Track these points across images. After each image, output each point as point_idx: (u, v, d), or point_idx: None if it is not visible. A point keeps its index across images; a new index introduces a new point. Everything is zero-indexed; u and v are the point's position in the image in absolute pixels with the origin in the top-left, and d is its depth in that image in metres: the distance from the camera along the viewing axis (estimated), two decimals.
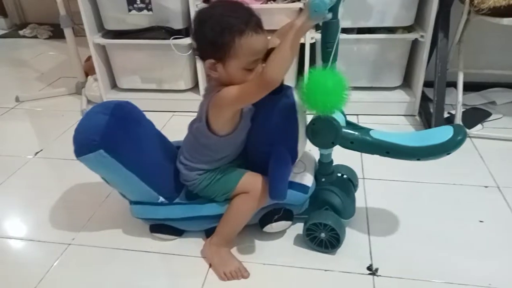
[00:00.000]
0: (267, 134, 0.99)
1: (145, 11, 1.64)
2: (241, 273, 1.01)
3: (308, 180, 1.07)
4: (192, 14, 1.60)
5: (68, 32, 1.88)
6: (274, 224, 1.06)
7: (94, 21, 1.73)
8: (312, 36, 1.60)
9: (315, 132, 0.98)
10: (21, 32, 2.97)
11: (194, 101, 1.78)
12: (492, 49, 1.76)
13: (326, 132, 0.97)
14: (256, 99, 0.89)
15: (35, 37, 2.92)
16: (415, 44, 1.64)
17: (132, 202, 1.09)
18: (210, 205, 1.06)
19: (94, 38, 1.72)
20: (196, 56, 0.94)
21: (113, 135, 0.97)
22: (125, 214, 1.20)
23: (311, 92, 0.91)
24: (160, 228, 1.12)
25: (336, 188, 1.09)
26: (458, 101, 1.52)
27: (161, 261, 1.07)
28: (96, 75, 1.82)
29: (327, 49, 0.92)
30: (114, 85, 1.90)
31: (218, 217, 1.06)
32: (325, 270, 1.02)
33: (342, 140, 0.97)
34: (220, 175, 1.03)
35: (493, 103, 1.73)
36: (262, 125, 0.99)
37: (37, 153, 1.56)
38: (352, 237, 1.10)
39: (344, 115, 1.03)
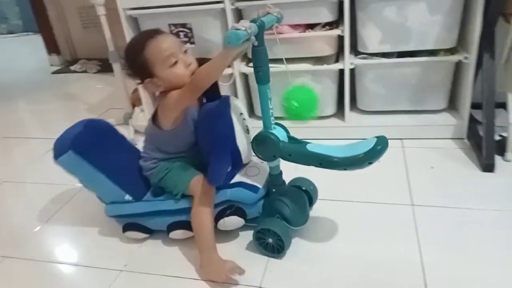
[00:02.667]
0: (207, 134, 1.13)
1: (188, 45, 1.72)
2: (239, 272, 1.07)
3: (259, 182, 1.18)
4: None
5: (116, 66, 2.00)
6: (226, 218, 1.17)
7: None
8: (351, 62, 1.61)
9: (257, 146, 1.11)
10: (72, 68, 3.18)
11: None
12: None
13: (267, 146, 1.09)
14: (192, 98, 1.08)
15: (84, 71, 3.11)
16: (459, 65, 1.61)
17: (106, 204, 1.26)
18: (169, 201, 1.19)
19: None
20: (138, 83, 1.14)
21: (82, 141, 1.19)
22: (176, 241, 1.23)
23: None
24: (131, 226, 1.26)
25: (287, 198, 1.16)
26: (509, 123, 1.46)
27: None
28: (142, 106, 1.91)
29: (258, 73, 1.04)
30: None
31: (177, 211, 1.18)
32: None
33: (281, 153, 1.08)
34: (174, 170, 1.19)
35: None
36: (204, 127, 1.13)
37: None
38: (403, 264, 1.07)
39: (287, 131, 1.14)
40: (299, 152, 1.07)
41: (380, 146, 0.98)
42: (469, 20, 1.51)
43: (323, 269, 1.10)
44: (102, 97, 2.57)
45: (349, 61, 1.60)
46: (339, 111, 1.76)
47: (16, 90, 2.92)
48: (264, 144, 1.09)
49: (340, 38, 1.60)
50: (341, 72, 1.65)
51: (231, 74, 1.72)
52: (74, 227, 1.39)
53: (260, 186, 1.18)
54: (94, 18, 2.75)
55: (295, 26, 1.61)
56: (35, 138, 2.11)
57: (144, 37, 1.09)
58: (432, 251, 1.11)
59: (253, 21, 0.98)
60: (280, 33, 1.59)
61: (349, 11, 1.52)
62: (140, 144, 1.86)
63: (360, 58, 1.62)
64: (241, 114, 1.17)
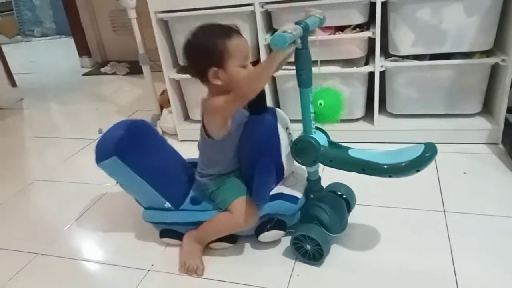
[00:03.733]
0: (252, 148, 1.10)
1: None
2: (197, 270, 1.13)
3: (298, 192, 1.16)
4: (262, 48, 1.66)
5: (146, 69, 2.03)
6: (267, 233, 1.16)
7: (170, 58, 1.86)
8: (382, 65, 1.58)
9: (298, 151, 1.08)
10: (102, 70, 3.25)
11: None
12: None
13: (307, 151, 1.06)
14: (238, 105, 1.05)
15: (114, 73, 3.18)
16: (495, 68, 1.55)
17: (144, 208, 1.24)
18: (210, 212, 1.17)
19: (169, 73, 1.84)
20: (195, 79, 1.10)
21: (125, 145, 1.16)
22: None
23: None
24: (168, 233, 1.25)
25: (325, 204, 1.13)
26: None
27: None
28: (171, 108, 1.93)
29: (300, 76, 1.02)
30: (187, 117, 1.99)
31: None
32: None
33: (322, 158, 1.05)
34: (227, 186, 1.16)
35: None
36: (249, 141, 1.10)
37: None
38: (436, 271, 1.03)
39: (327, 135, 1.11)
40: (341, 157, 1.04)
41: (429, 153, 0.94)
42: (508, 21, 1.46)
43: (356, 277, 1.07)
44: (131, 98, 2.62)
45: (379, 64, 1.57)
46: (368, 114, 1.73)
47: (48, 91, 3.01)
48: (305, 149, 1.07)
49: (371, 40, 1.57)
50: (371, 74, 1.62)
51: None
52: (103, 226, 1.42)
53: (299, 196, 1.16)
54: (125, 21, 2.82)
55: (325, 28, 1.59)
56: (66, 138, 2.17)
57: (230, 30, 1.06)
58: (465, 260, 1.07)
59: (297, 23, 0.96)
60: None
61: (381, 13, 1.49)
62: None
63: (391, 61, 1.59)
64: (287, 128, 1.14)
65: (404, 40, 1.54)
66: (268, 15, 1.67)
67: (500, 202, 1.27)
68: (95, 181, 1.68)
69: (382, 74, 1.61)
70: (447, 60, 1.53)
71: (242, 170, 1.17)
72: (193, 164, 1.32)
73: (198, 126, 1.89)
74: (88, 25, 3.36)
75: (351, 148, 1.06)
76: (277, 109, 1.14)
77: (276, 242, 1.20)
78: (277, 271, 1.12)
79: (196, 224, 1.18)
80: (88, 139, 2.08)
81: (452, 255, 1.09)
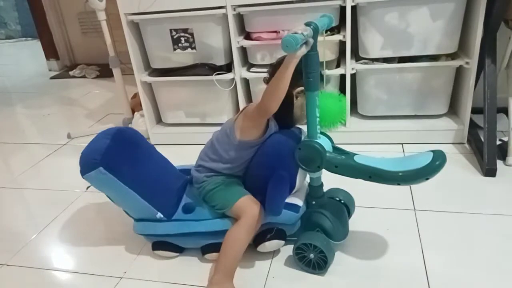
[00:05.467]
0: (271, 159, 1.07)
1: (189, 50, 1.72)
2: None
3: (298, 200, 1.13)
4: (234, 51, 1.66)
5: (116, 71, 1.99)
6: (267, 243, 1.11)
7: (141, 61, 1.83)
8: (352, 67, 1.61)
9: (302, 156, 1.04)
10: (71, 73, 3.17)
11: None
12: None
13: (312, 156, 1.03)
14: (261, 119, 1.05)
15: (83, 77, 3.10)
16: (460, 70, 1.61)
17: (135, 220, 1.18)
18: (205, 222, 1.13)
19: (141, 76, 1.81)
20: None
21: (112, 155, 1.08)
22: None
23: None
24: (161, 245, 1.19)
25: (327, 211, 1.11)
26: (510, 128, 1.46)
27: None
28: (142, 111, 1.90)
29: (308, 79, 0.98)
30: (159, 120, 1.97)
31: (213, 234, 1.12)
32: None
33: (327, 164, 1.02)
34: (224, 186, 1.12)
35: None
36: (270, 153, 1.07)
37: (88, 187, 1.62)
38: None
39: (331, 141, 1.09)
40: (347, 164, 1.01)
41: (438, 161, 0.94)
42: (471, 25, 1.52)
43: (333, 277, 1.09)
44: (101, 102, 2.56)
45: (350, 66, 1.60)
46: None
47: (14, 95, 2.91)
48: (309, 155, 1.03)
49: (342, 44, 1.60)
50: (342, 77, 1.65)
51: (232, 79, 1.72)
52: (73, 234, 1.38)
53: (300, 204, 1.12)
54: (94, 23, 2.76)
55: None
56: (33, 143, 2.10)
57: None
58: (435, 256, 1.10)
59: (307, 24, 0.94)
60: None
61: (351, 17, 1.52)
62: None
63: (361, 63, 1.62)
64: None
65: (374, 43, 1.58)
66: (240, 18, 1.67)
67: (468, 199, 1.31)
68: (64, 187, 1.63)
69: (353, 76, 1.65)
70: (415, 63, 1.58)
71: (247, 180, 1.13)
72: (184, 171, 1.28)
73: (171, 129, 1.90)
74: (56, 27, 3.27)
75: (357, 154, 1.03)
76: (302, 129, 1.12)
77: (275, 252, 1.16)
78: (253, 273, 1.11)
79: (193, 234, 1.13)
80: (56, 144, 2.02)
81: (422, 250, 1.13)
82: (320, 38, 0.99)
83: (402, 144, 1.66)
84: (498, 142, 1.53)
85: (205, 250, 1.16)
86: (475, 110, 1.61)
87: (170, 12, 1.63)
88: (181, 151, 1.67)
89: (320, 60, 1.00)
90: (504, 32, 1.48)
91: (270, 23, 1.60)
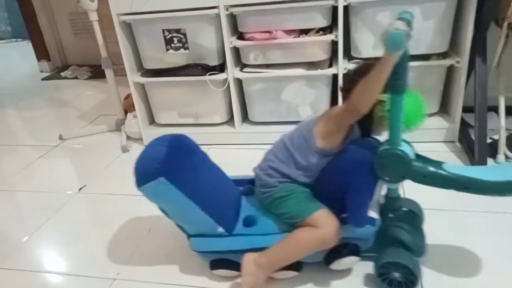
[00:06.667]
0: (352, 165, 0.97)
1: (182, 50, 1.71)
2: None
3: (373, 212, 1.02)
4: (227, 51, 1.66)
5: (109, 72, 1.98)
6: (343, 259, 1.01)
7: (134, 61, 1.82)
8: (345, 67, 1.61)
9: (383, 165, 0.93)
10: (62, 74, 3.14)
11: (229, 134, 1.81)
12: None
13: (395, 165, 0.92)
14: (348, 120, 0.96)
15: (75, 78, 3.07)
16: (450, 70, 1.63)
17: (191, 235, 1.06)
18: (272, 236, 1.02)
19: (134, 77, 1.80)
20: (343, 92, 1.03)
21: (172, 164, 0.98)
22: (166, 248, 1.21)
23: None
24: (221, 263, 1.07)
25: (405, 224, 1.02)
26: (501, 126, 1.47)
27: None
28: (135, 112, 1.89)
29: (396, 81, 0.87)
30: (152, 121, 1.96)
31: None
32: None
33: (414, 174, 0.92)
34: (299, 194, 1.02)
35: None
36: (350, 157, 0.98)
37: (80, 188, 1.61)
38: None
39: (412, 147, 0.97)
40: (438, 174, 0.90)
41: None
42: (461, 25, 1.53)
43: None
44: (94, 103, 2.54)
45: (342, 66, 1.60)
46: None
47: (5, 97, 2.87)
48: (392, 164, 0.92)
49: (334, 43, 1.61)
50: (335, 77, 1.65)
51: (225, 79, 1.72)
52: (65, 236, 1.36)
53: (376, 216, 1.02)
54: (86, 24, 2.74)
55: (289, 32, 1.61)
56: (24, 145, 2.08)
57: None
58: (428, 254, 1.10)
59: (401, 19, 0.82)
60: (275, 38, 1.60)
61: (343, 17, 1.53)
62: (133, 150, 1.87)
63: (354, 63, 1.63)
64: None
65: (366, 42, 1.59)
66: (233, 18, 1.67)
67: (459, 198, 1.32)
68: (55, 189, 1.62)
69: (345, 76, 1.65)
70: None
71: (320, 189, 1.03)
72: (237, 182, 1.18)
73: (164, 130, 1.89)
74: (47, 28, 3.24)
75: (444, 162, 0.93)
76: (379, 139, 1.03)
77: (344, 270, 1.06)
78: None
79: (257, 251, 1.01)
80: (48, 145, 2.00)
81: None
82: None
83: None
84: (488, 141, 1.55)
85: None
86: (466, 109, 1.62)
87: (163, 12, 1.62)
88: None
89: None
90: (495, 31, 1.50)
91: (263, 23, 1.61)
